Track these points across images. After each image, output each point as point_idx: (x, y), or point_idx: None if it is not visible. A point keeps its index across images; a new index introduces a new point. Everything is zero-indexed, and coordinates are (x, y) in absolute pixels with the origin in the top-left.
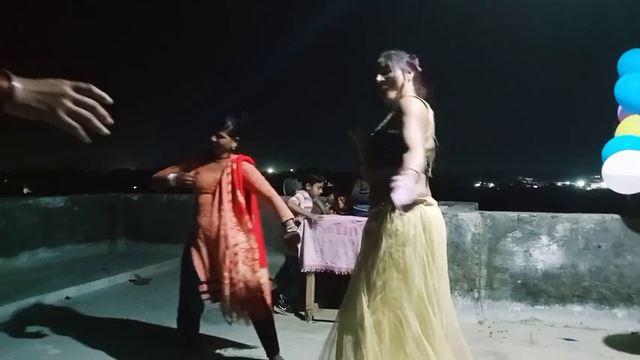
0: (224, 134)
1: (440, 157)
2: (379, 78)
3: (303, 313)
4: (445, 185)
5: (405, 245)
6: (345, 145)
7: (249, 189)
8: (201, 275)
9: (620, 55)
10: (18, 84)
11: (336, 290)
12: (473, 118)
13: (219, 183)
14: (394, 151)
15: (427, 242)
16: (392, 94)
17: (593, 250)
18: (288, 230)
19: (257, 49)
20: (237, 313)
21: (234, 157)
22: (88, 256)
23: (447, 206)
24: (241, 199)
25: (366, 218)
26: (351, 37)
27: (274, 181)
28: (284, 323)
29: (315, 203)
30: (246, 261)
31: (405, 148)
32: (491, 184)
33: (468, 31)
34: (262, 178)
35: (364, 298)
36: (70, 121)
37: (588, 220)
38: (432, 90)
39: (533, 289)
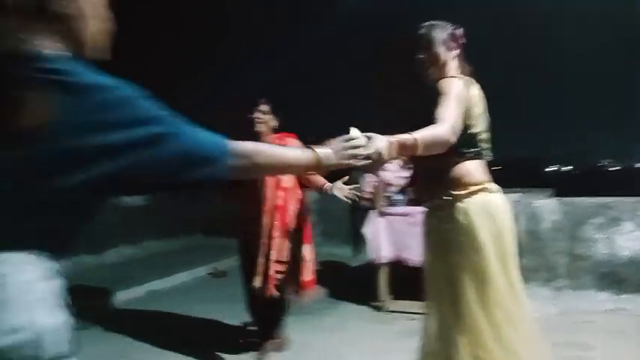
0: (265, 109)
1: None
2: (419, 55)
3: (377, 304)
4: (517, 172)
5: (479, 243)
6: None
7: None
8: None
9: None
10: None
11: (409, 281)
12: (542, 99)
13: None
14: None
15: (497, 233)
16: (434, 73)
17: None
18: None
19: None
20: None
21: (278, 135)
22: (167, 251)
23: (521, 193)
24: (286, 181)
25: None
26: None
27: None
28: (359, 315)
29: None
30: (286, 240)
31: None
32: (566, 168)
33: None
34: None
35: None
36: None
37: None
38: (473, 66)
39: (618, 278)
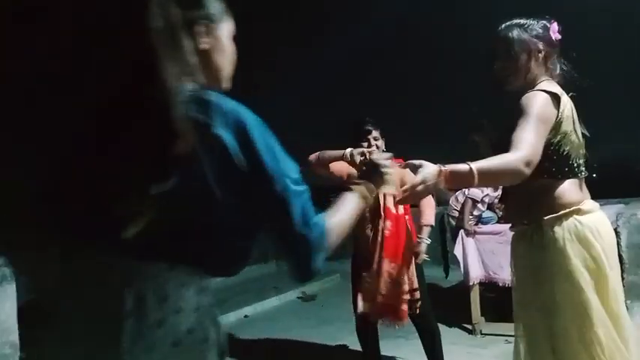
0: (377, 135)
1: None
2: (498, 63)
3: (469, 326)
4: (617, 178)
5: (573, 274)
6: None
7: None
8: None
9: None
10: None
11: (502, 302)
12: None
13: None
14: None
15: (595, 259)
16: (517, 82)
17: None
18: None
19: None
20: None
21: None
22: (259, 276)
23: (622, 204)
24: (395, 209)
25: None
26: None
27: None
28: (452, 338)
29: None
30: (393, 285)
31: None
32: None
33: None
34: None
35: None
36: None
37: None
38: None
39: None
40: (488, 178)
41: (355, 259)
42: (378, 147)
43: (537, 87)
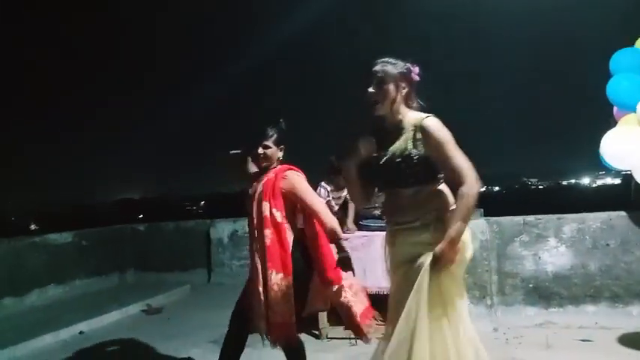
0: (269, 143)
1: None
2: (371, 89)
3: (316, 332)
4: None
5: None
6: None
7: (294, 200)
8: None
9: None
10: None
11: None
12: (471, 121)
13: (257, 201)
14: (421, 171)
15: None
16: (382, 109)
17: (601, 248)
18: (337, 254)
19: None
20: (273, 337)
21: (280, 167)
22: (98, 290)
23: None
24: (277, 215)
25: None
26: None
27: None
28: None
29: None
30: (276, 292)
31: (431, 169)
32: (497, 188)
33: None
34: (307, 187)
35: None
36: None
37: (594, 219)
38: (423, 102)
39: (545, 292)
40: (468, 219)
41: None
42: (266, 155)
43: (411, 114)
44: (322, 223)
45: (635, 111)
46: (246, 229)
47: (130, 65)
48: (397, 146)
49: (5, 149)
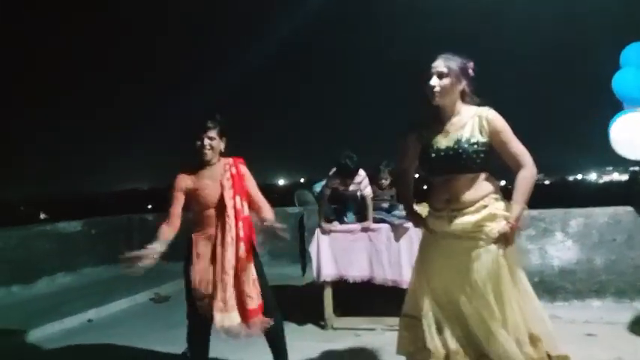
0: (213, 134)
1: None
2: (434, 82)
3: (322, 322)
4: None
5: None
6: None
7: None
8: (202, 290)
9: (621, 44)
10: None
11: (352, 298)
12: None
13: (222, 195)
14: (483, 158)
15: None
16: (442, 100)
17: (607, 243)
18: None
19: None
20: (250, 326)
21: (229, 159)
22: (106, 278)
23: None
24: (246, 209)
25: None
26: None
27: (283, 193)
28: (302, 334)
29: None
30: (250, 279)
31: (488, 156)
32: (502, 182)
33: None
34: (255, 183)
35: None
36: None
37: (601, 213)
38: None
39: (551, 287)
40: (527, 199)
41: (191, 265)
42: (212, 147)
43: (470, 106)
44: (265, 212)
45: None
46: (253, 219)
47: (140, 53)
48: (463, 134)
49: (14, 139)
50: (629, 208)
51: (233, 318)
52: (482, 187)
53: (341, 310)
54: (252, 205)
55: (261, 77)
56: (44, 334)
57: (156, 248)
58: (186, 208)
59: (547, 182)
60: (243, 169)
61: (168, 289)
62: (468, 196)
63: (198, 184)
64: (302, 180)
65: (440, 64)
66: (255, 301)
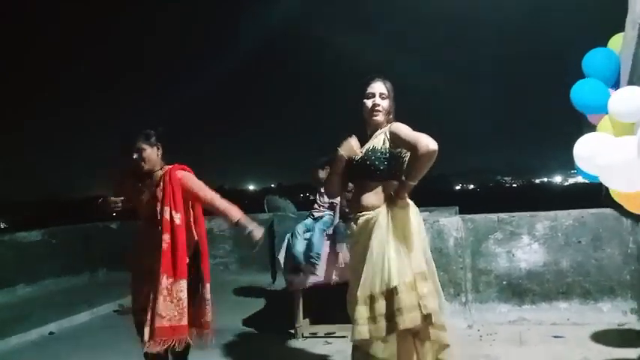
0: (143, 145)
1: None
2: (377, 101)
3: (292, 330)
4: (425, 190)
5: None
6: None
7: (191, 199)
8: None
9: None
10: None
11: (323, 305)
12: (449, 118)
13: (154, 203)
14: (389, 166)
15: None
16: (380, 119)
17: (573, 245)
18: (247, 231)
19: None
20: (152, 343)
21: (166, 168)
22: (68, 289)
23: (427, 212)
24: (178, 220)
25: None
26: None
27: (254, 198)
28: (272, 342)
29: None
30: (166, 296)
31: (397, 162)
32: (472, 186)
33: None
34: (201, 183)
35: None
36: None
37: (567, 216)
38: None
39: (519, 289)
40: (419, 177)
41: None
42: (144, 157)
43: (391, 122)
44: (222, 210)
45: (606, 112)
46: (222, 227)
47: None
48: (372, 145)
49: None
50: (594, 210)
51: (145, 334)
52: (383, 195)
53: (311, 317)
54: (205, 205)
55: (232, 81)
56: (6, 346)
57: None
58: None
59: (515, 185)
60: (180, 174)
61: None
62: (370, 201)
63: (135, 192)
64: (272, 185)
65: (380, 86)
66: (161, 321)
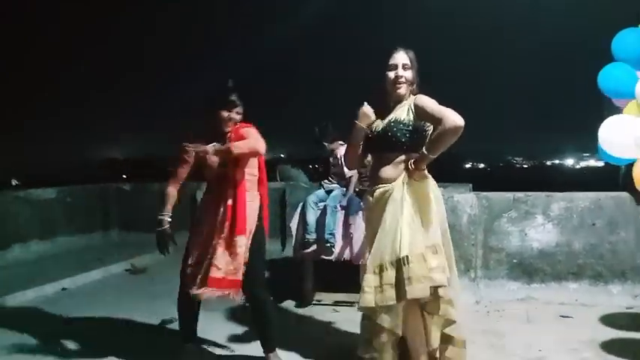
0: (239, 110)
1: None
2: (400, 72)
3: (301, 298)
4: (437, 167)
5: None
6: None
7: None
8: (192, 258)
9: (604, 34)
10: None
11: (331, 273)
12: (459, 98)
13: (222, 161)
14: (411, 138)
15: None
16: (403, 90)
17: (587, 227)
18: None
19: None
20: (202, 290)
21: (237, 126)
22: (81, 247)
23: (442, 188)
24: (240, 174)
25: None
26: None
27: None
28: (281, 309)
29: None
30: (230, 251)
31: (421, 135)
32: (482, 165)
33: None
34: (254, 136)
35: None
36: None
37: (583, 198)
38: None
39: (529, 268)
40: (440, 150)
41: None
42: (236, 122)
43: (415, 94)
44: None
45: (634, 97)
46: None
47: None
48: (394, 116)
49: None
50: (612, 194)
51: (197, 280)
52: (402, 167)
53: (320, 285)
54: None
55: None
56: (18, 300)
57: (167, 219)
58: (197, 173)
59: (525, 166)
60: (242, 130)
61: (144, 260)
62: (389, 173)
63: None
64: (282, 155)
65: (403, 57)
66: (220, 272)
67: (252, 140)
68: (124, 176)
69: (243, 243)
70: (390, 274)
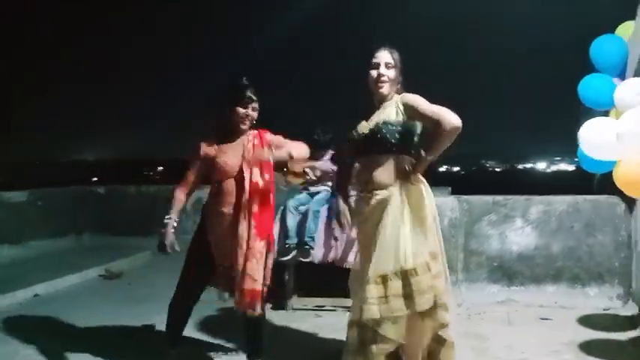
0: (256, 106)
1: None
2: (383, 71)
3: (283, 303)
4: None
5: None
6: None
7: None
8: (217, 259)
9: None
10: None
11: (313, 278)
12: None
13: (242, 165)
14: (401, 138)
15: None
16: (386, 90)
17: (565, 230)
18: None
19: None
20: (241, 304)
21: (254, 131)
22: (54, 252)
23: None
24: (264, 181)
25: None
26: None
27: None
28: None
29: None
30: (258, 259)
31: (411, 135)
32: (456, 168)
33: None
34: (290, 141)
35: None
36: None
37: (561, 201)
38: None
39: (509, 271)
40: (439, 152)
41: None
42: (253, 118)
43: (399, 93)
44: (292, 149)
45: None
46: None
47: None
48: (381, 117)
49: None
50: (588, 197)
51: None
52: (394, 171)
53: (302, 290)
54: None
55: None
56: None
57: (172, 223)
58: (206, 177)
59: (498, 169)
60: (269, 137)
61: (119, 265)
62: (382, 178)
63: (220, 153)
64: None
65: (386, 55)
66: (253, 283)
67: (296, 144)
68: (94, 179)
69: (265, 250)
70: (396, 285)
